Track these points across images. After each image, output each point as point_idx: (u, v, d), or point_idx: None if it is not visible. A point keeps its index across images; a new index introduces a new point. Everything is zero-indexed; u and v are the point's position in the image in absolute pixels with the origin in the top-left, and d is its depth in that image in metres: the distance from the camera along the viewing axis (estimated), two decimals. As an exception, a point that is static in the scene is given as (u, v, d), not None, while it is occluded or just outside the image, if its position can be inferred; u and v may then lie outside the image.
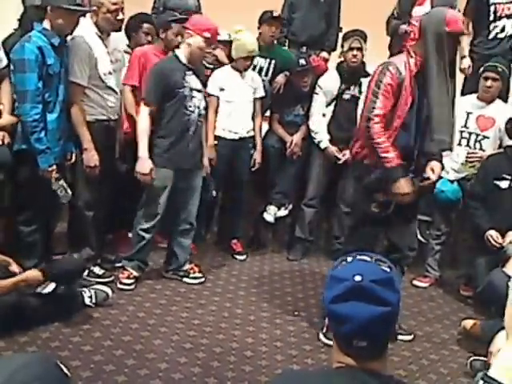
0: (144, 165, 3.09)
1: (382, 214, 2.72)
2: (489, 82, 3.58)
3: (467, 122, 3.66)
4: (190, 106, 3.17)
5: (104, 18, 3.04)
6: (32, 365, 0.94)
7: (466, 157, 3.65)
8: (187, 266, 3.45)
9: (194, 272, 3.46)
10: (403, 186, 2.61)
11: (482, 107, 3.65)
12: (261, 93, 3.87)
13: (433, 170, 2.75)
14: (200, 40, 3.09)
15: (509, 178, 3.37)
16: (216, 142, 3.70)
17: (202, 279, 3.46)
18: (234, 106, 3.73)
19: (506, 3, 4.10)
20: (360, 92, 3.85)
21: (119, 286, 3.20)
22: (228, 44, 3.79)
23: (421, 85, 2.66)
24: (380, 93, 2.61)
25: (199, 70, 3.26)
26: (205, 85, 3.33)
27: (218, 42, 3.63)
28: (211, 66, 3.83)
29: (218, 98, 3.70)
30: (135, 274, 3.26)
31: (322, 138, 3.91)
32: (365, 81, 3.83)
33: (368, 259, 1.20)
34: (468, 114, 3.66)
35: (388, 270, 1.18)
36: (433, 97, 2.64)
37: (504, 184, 3.37)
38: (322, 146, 3.91)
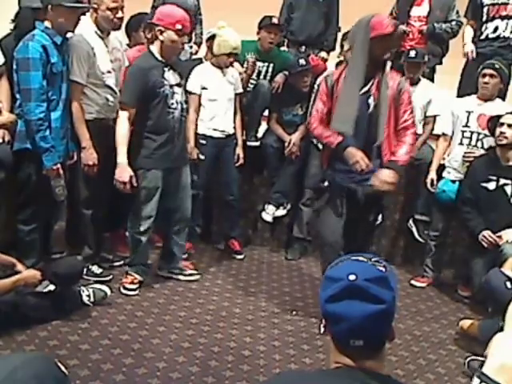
0: (123, 172, 2.96)
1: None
2: (486, 78, 3.59)
3: (468, 122, 3.66)
4: (173, 104, 3.10)
5: (103, 15, 3.02)
6: (31, 364, 0.94)
7: (463, 156, 3.65)
8: (182, 264, 3.46)
9: (189, 269, 3.47)
10: (353, 154, 2.80)
11: (483, 106, 3.64)
12: (239, 89, 3.84)
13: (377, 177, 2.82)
14: (172, 34, 2.96)
15: (494, 178, 3.37)
16: (204, 142, 3.69)
17: (198, 276, 3.47)
18: (217, 104, 3.70)
19: (501, 4, 4.10)
20: None
21: (123, 291, 3.16)
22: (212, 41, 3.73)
23: None
24: (316, 98, 3.05)
25: (175, 63, 3.16)
26: (182, 77, 3.22)
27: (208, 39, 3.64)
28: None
29: (199, 96, 3.68)
30: (139, 278, 3.23)
31: None
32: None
33: (363, 260, 1.20)
34: (469, 113, 3.66)
35: (383, 269, 1.18)
36: (340, 95, 2.85)
37: (491, 185, 3.38)
38: (321, 146, 3.91)
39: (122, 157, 2.98)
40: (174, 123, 3.14)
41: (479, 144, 3.64)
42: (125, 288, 3.18)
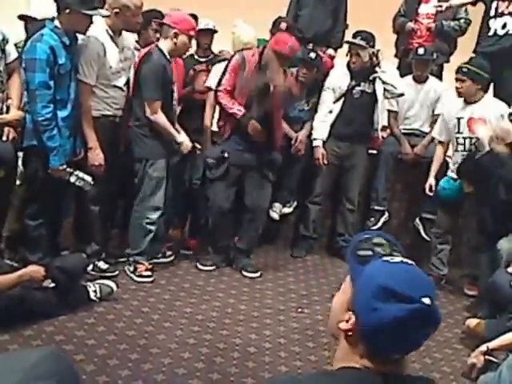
0: (186, 142, 3.29)
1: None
2: (457, 84, 3.53)
3: (460, 128, 3.58)
4: (174, 99, 3.32)
5: (126, 21, 3.06)
6: (48, 360, 0.94)
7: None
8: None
9: (166, 251, 3.62)
10: (254, 126, 3.39)
11: (469, 109, 3.56)
12: None
13: None
14: (185, 38, 3.20)
15: None
16: (215, 139, 3.70)
17: (173, 257, 3.63)
18: None
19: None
20: (372, 89, 3.84)
21: (137, 279, 3.25)
22: (209, 33, 3.79)
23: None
24: (227, 71, 3.45)
25: None
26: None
27: (198, 31, 3.65)
28: (203, 60, 3.82)
29: (215, 92, 3.69)
30: (150, 266, 3.34)
31: (318, 136, 3.90)
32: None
33: (387, 248, 1.11)
34: (459, 119, 3.58)
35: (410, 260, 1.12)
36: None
37: None
38: (314, 143, 3.91)
39: (178, 136, 3.28)
40: (175, 117, 3.37)
41: (473, 148, 3.57)
42: (141, 276, 3.27)
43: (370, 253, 1.12)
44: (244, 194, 3.57)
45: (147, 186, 3.24)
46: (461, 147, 3.62)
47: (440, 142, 3.79)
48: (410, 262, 1.11)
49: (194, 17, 3.74)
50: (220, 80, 3.48)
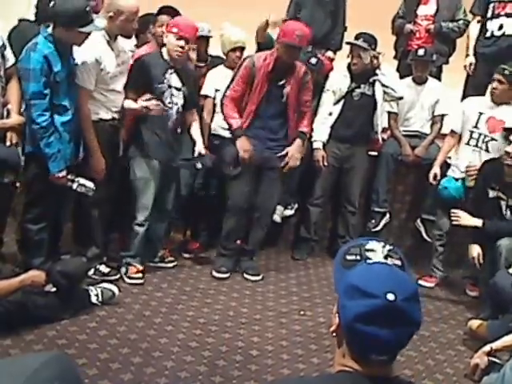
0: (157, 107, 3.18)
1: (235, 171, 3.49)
2: (494, 84, 3.52)
3: (478, 123, 3.60)
4: (170, 103, 3.25)
5: (120, 26, 3.04)
6: (52, 364, 0.94)
7: (466, 171, 3.61)
8: (162, 252, 3.57)
9: (167, 257, 3.60)
10: (242, 143, 3.40)
11: (494, 109, 3.57)
12: None
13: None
14: (171, 36, 3.17)
15: (496, 188, 3.30)
16: (217, 143, 3.70)
17: (175, 262, 3.60)
18: None
19: (508, 2, 4.03)
20: (372, 91, 3.84)
21: (128, 280, 3.25)
22: (204, 39, 3.73)
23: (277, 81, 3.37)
24: (236, 78, 3.40)
25: (182, 70, 3.30)
26: (184, 84, 3.32)
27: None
28: (202, 64, 3.82)
29: (213, 99, 3.71)
30: (141, 268, 3.33)
31: (318, 138, 3.90)
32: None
33: (387, 258, 1.11)
34: (480, 114, 3.60)
35: (400, 263, 1.12)
36: None
37: (492, 193, 3.32)
38: (314, 145, 3.91)
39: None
40: (168, 120, 3.28)
41: (484, 146, 3.58)
42: (131, 278, 3.26)
43: (358, 258, 1.14)
44: (255, 193, 3.54)
45: (133, 187, 3.26)
46: (473, 142, 3.63)
47: (452, 133, 3.79)
48: (389, 263, 1.11)
49: (175, 11, 3.62)
50: (228, 85, 3.45)
